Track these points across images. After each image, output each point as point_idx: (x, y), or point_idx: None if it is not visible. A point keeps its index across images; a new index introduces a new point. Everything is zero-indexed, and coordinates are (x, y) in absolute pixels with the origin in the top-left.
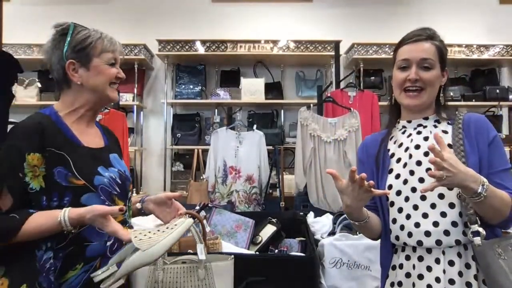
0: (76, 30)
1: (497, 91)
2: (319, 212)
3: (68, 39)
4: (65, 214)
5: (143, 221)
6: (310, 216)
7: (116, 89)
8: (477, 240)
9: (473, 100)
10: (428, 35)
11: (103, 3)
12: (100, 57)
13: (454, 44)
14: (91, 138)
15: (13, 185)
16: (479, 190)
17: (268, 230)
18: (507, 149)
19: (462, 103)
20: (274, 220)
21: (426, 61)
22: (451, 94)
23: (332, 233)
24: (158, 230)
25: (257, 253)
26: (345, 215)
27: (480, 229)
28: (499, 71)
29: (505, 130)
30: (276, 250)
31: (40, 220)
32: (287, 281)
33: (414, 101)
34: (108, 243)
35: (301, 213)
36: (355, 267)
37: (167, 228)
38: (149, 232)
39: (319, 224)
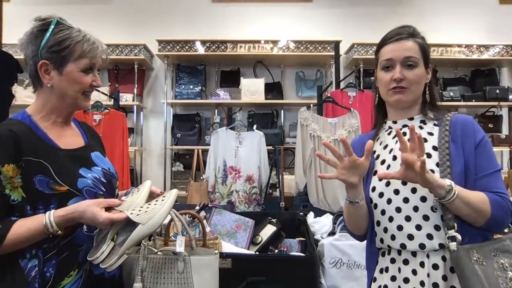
0: (58, 28)
1: (497, 91)
2: (319, 212)
3: (47, 36)
4: (50, 215)
5: None
6: (310, 216)
7: (90, 97)
8: (452, 245)
9: (473, 100)
10: (409, 33)
11: (103, 3)
12: (75, 63)
13: (454, 44)
14: (70, 139)
15: None
16: (447, 187)
17: (268, 230)
18: (507, 149)
19: (462, 103)
20: (274, 220)
21: (409, 59)
22: (451, 94)
23: (332, 233)
24: (150, 204)
25: (257, 253)
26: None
27: (457, 234)
28: (499, 71)
29: (505, 130)
30: (276, 250)
31: (25, 225)
32: (287, 281)
33: (400, 96)
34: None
35: (301, 213)
36: (355, 267)
37: (156, 201)
38: (141, 207)
39: (319, 224)
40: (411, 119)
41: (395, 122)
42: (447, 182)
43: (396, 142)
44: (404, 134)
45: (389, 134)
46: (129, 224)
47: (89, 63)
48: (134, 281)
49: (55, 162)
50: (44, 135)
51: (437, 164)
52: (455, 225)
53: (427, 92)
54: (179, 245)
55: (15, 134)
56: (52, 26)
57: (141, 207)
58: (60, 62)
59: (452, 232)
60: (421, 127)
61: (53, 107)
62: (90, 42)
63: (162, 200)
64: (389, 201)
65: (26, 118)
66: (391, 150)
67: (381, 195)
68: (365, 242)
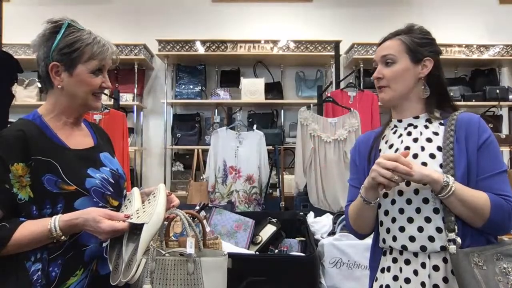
0: (68, 30)
1: (497, 91)
2: (319, 212)
3: (58, 38)
4: (55, 220)
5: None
6: (310, 216)
7: (100, 98)
8: (452, 248)
9: (473, 100)
10: (396, 32)
11: (103, 3)
12: (85, 65)
13: (454, 44)
14: (79, 139)
15: (1, 198)
16: (444, 179)
17: (268, 230)
18: (507, 149)
19: (462, 103)
20: (274, 220)
21: (386, 57)
22: (451, 94)
23: (332, 233)
24: (144, 206)
25: (257, 253)
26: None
27: (457, 237)
28: (499, 71)
29: (505, 130)
30: (276, 250)
31: (31, 228)
32: (287, 281)
33: (381, 96)
34: (104, 244)
35: (301, 213)
36: (355, 267)
37: (149, 201)
38: (137, 210)
39: (319, 224)
40: (417, 117)
41: (400, 121)
42: (444, 177)
43: (402, 142)
44: (409, 133)
45: (394, 133)
46: (134, 234)
47: (98, 64)
48: (143, 283)
49: (64, 162)
50: (53, 135)
51: (441, 165)
52: (456, 227)
53: (423, 87)
54: (190, 247)
55: (24, 133)
56: (63, 29)
57: (137, 211)
58: (70, 63)
59: (452, 235)
60: (426, 126)
61: (64, 108)
62: (100, 44)
63: (154, 197)
64: (393, 201)
65: (37, 118)
66: (396, 150)
67: (385, 195)
68: (365, 241)
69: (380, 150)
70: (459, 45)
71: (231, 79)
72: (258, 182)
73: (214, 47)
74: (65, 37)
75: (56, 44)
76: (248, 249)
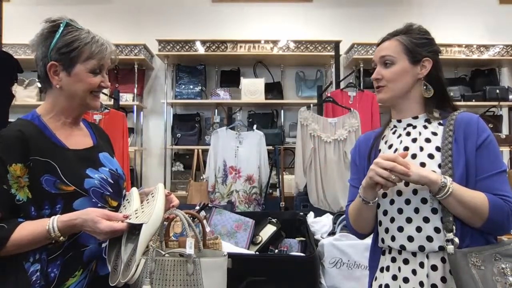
0: (67, 30)
1: (497, 91)
2: (319, 212)
3: (56, 38)
4: (53, 221)
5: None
6: (310, 216)
7: (99, 97)
8: (450, 248)
9: (473, 100)
10: (394, 33)
11: (103, 3)
12: (84, 64)
13: (454, 44)
14: (78, 139)
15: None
16: (442, 180)
17: (268, 230)
18: (507, 149)
19: (462, 103)
20: (274, 220)
21: (384, 58)
22: (451, 94)
23: (332, 233)
24: (143, 206)
25: (257, 253)
26: (344, 216)
27: (455, 238)
28: (499, 71)
29: (505, 130)
30: (276, 250)
31: (29, 228)
32: (287, 281)
33: (379, 96)
34: (103, 245)
35: (301, 213)
36: (355, 267)
37: (148, 201)
38: (136, 211)
39: (319, 224)
40: (416, 118)
41: (399, 121)
42: (442, 179)
43: (401, 142)
44: (408, 134)
45: (393, 133)
46: (133, 234)
47: (97, 64)
48: (143, 283)
49: (63, 162)
50: (52, 135)
51: (439, 166)
52: (454, 227)
53: (424, 87)
54: (189, 247)
55: (23, 134)
56: (62, 28)
57: (136, 211)
58: (69, 63)
59: (450, 235)
60: (425, 127)
61: (63, 108)
62: (99, 43)
63: (153, 197)
64: (392, 201)
65: (36, 118)
66: (395, 150)
67: (384, 195)
68: (365, 241)
69: (379, 150)
70: (459, 45)
71: (231, 79)
72: (258, 182)
73: (214, 47)
74: (64, 36)
75: (54, 43)
76: (248, 249)
